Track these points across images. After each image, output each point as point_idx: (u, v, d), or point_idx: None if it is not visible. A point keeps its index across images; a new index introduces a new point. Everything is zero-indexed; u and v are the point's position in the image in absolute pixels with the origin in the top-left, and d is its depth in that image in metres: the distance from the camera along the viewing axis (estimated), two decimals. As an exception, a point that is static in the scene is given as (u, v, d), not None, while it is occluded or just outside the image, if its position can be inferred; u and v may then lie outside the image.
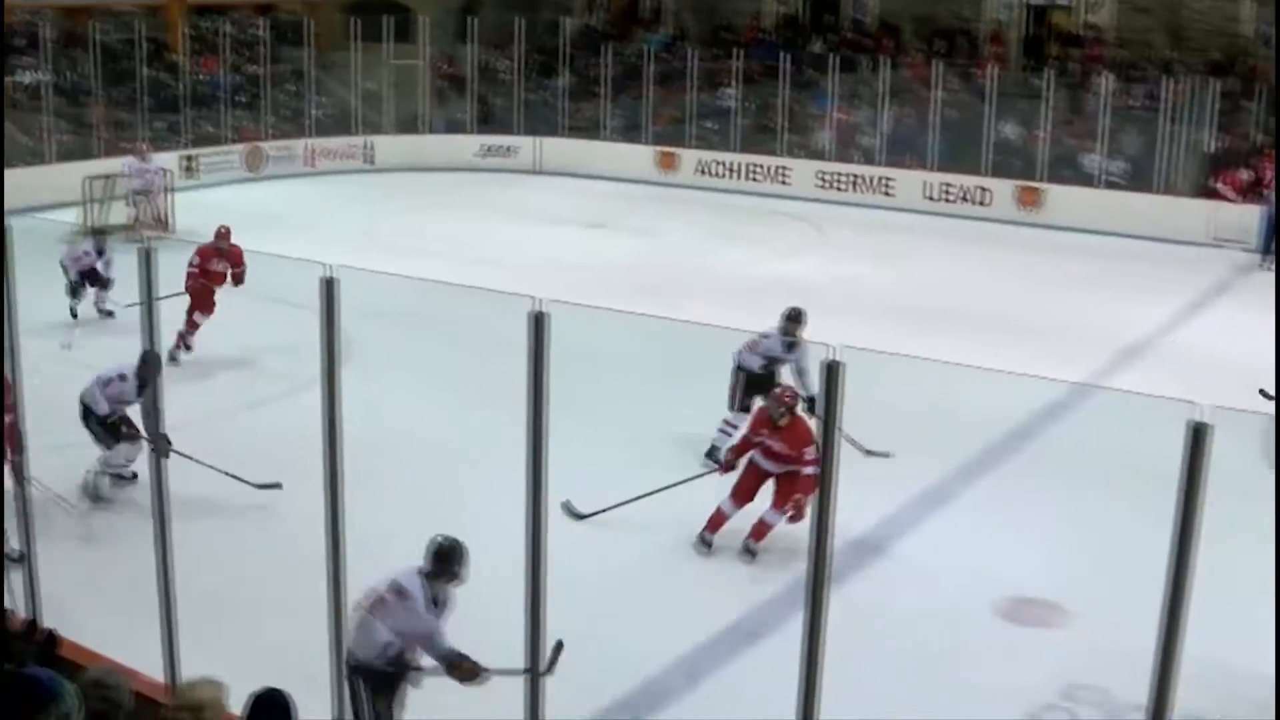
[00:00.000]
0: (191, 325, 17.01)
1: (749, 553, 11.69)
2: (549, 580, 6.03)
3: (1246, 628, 10.14)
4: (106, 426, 12.44)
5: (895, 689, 9.38)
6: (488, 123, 36.85)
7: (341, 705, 7.24)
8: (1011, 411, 14.49)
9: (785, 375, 13.77)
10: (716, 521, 11.82)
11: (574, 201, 30.85)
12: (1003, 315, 20.38)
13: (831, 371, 5.23)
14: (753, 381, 13.78)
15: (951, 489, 13.29)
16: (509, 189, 32.61)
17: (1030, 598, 10.93)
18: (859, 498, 11.65)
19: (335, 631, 6.88)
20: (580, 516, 11.90)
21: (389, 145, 35.49)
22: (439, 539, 7.92)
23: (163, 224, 25.17)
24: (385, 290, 16.62)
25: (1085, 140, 31.25)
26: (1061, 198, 30.11)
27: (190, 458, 11.51)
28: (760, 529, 11.68)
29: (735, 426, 13.57)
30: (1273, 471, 11.97)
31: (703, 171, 34.35)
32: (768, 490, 11.87)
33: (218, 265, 17.11)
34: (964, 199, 31.04)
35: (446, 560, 7.87)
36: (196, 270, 17.01)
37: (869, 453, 12.78)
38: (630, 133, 35.69)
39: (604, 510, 11.96)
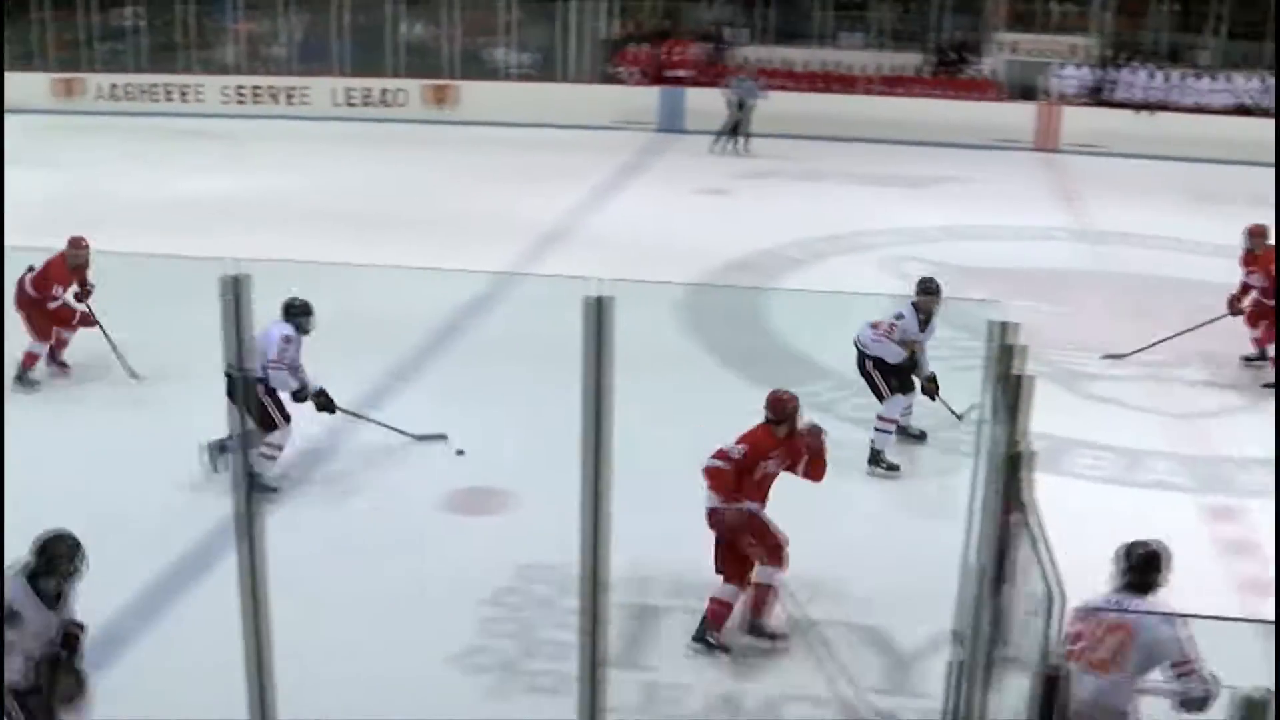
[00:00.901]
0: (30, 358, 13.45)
1: (774, 637, 9.04)
2: None
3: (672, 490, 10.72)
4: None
5: (347, 590, 9.36)
6: None
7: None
8: (439, 307, 14.63)
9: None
10: (721, 615, 8.96)
11: (-32, 138, 29.07)
12: (424, 214, 20.52)
13: (239, 285, 5.09)
14: (890, 371, 11.92)
15: (390, 389, 13.32)
16: (-107, 131, 30.42)
17: (477, 487, 11.11)
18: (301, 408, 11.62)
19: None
20: None
21: None
22: (1144, 545, 6.83)
23: None
24: None
25: (492, 35, 31.69)
26: (473, 93, 30.53)
27: (358, 415, 11.65)
28: (762, 599, 9.07)
29: (895, 420, 11.91)
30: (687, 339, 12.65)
31: (108, 95, 32.97)
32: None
33: (60, 291, 13.41)
34: (377, 102, 31.01)
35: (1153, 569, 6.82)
36: (34, 293, 13.35)
37: (961, 417, 12.14)
38: (27, 60, 33.84)
39: None
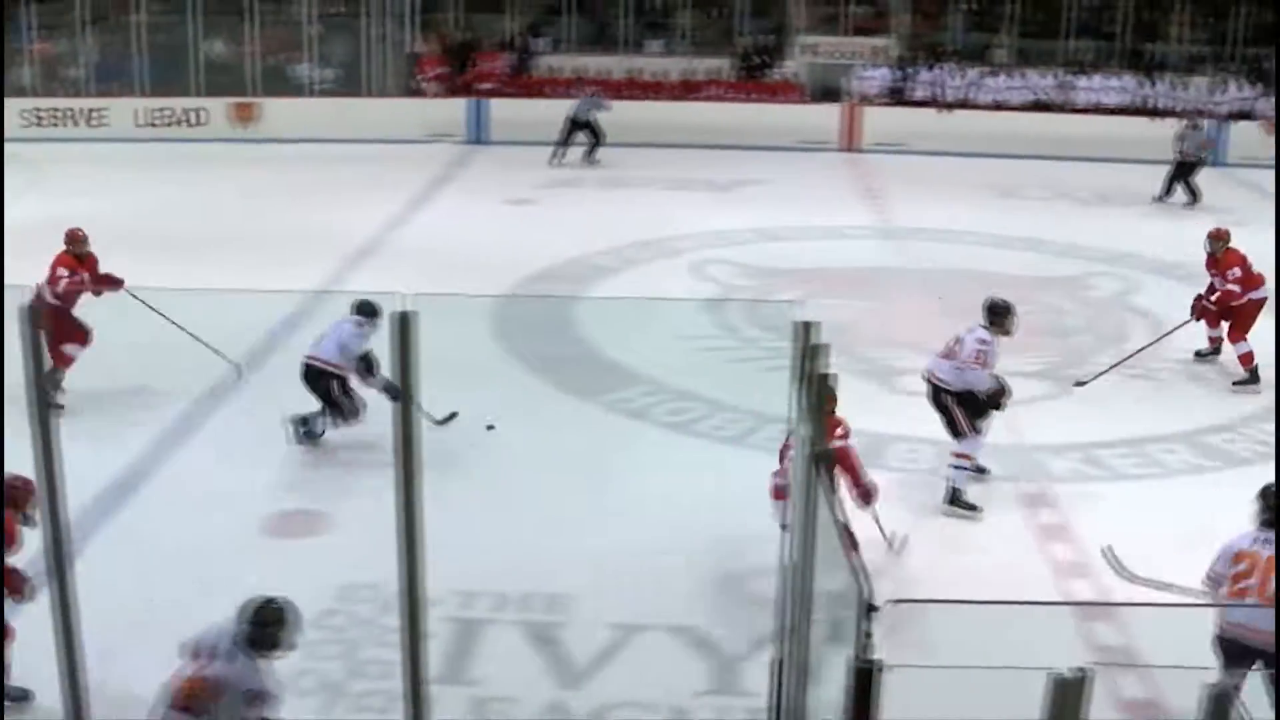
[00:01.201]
0: (62, 359, 13.22)
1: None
2: None
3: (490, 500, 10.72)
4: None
5: (167, 620, 9.17)
6: None
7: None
8: (252, 329, 14.39)
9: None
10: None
11: None
12: (231, 234, 20.17)
13: (35, 314, 4.99)
14: (970, 404, 11.33)
15: (200, 415, 13.12)
16: None
17: (292, 510, 11.00)
18: (116, 441, 11.45)
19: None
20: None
21: None
22: None
23: None
24: None
25: (294, 51, 31.38)
26: (276, 110, 30.12)
27: (417, 405, 10.93)
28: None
29: (972, 457, 11.36)
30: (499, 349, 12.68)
31: (-106, 125, 32.00)
32: None
33: (64, 273, 13.44)
34: (179, 122, 30.47)
35: None
36: (51, 297, 13.22)
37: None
38: None
39: None
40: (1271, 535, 7.68)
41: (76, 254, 13.61)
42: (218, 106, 30.36)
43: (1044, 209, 23.99)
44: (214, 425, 12.91)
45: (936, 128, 29.77)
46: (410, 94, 30.86)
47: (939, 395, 11.31)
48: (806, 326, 5.32)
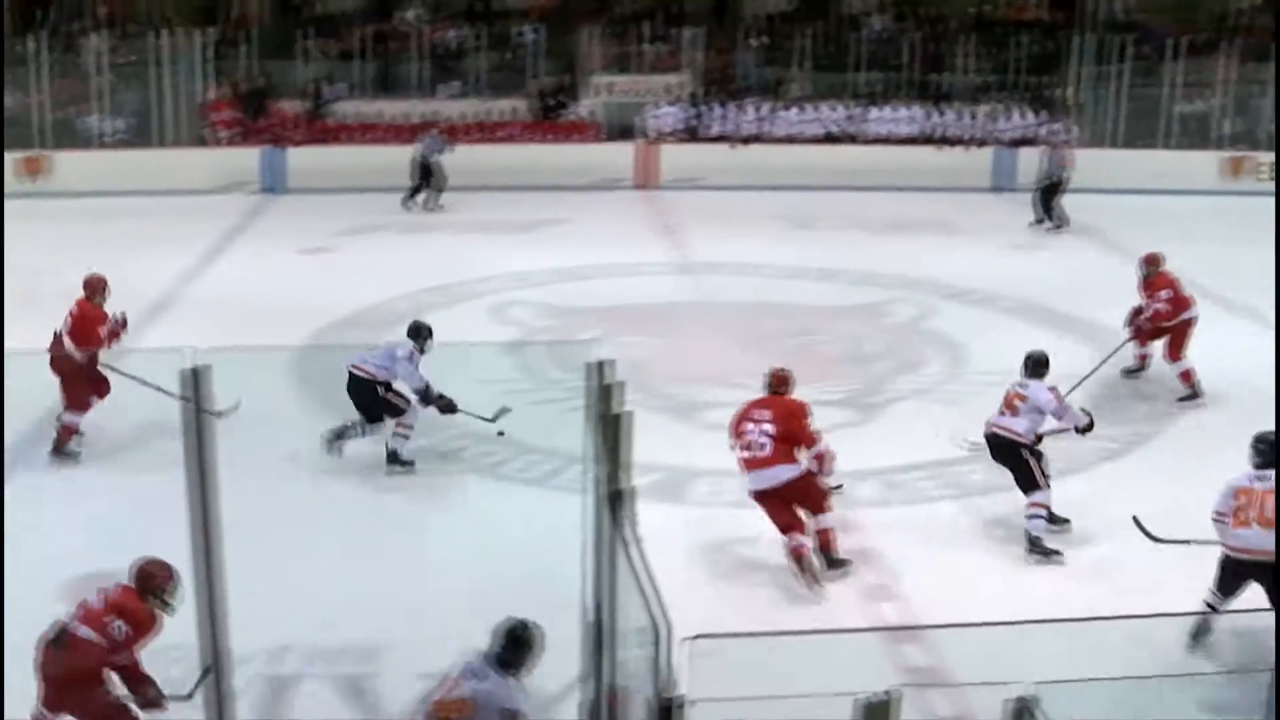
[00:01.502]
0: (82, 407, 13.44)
1: (845, 563, 10.87)
2: None
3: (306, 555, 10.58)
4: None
5: None
6: None
7: None
8: (45, 389, 13.98)
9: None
10: (804, 552, 10.61)
11: None
12: (21, 292, 19.59)
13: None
14: (1041, 455, 11.41)
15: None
16: None
17: (94, 572, 10.66)
18: None
19: None
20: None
21: None
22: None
23: None
24: None
25: (84, 102, 30.74)
26: (66, 163, 29.42)
27: (473, 414, 12.99)
28: (830, 539, 10.86)
29: (1047, 505, 11.23)
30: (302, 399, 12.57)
31: None
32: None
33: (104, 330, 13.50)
34: (-38, 178, 29.59)
35: None
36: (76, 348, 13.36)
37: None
38: None
39: None
40: (1266, 474, 9.37)
41: (102, 304, 13.66)
42: (5, 160, 29.55)
43: (839, 239, 24.40)
44: (15, 487, 12.56)
45: (731, 163, 30.21)
46: (204, 144, 30.44)
47: (1017, 451, 11.37)
48: (600, 366, 5.34)
